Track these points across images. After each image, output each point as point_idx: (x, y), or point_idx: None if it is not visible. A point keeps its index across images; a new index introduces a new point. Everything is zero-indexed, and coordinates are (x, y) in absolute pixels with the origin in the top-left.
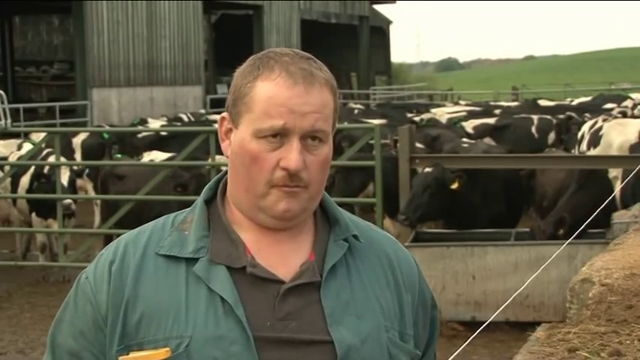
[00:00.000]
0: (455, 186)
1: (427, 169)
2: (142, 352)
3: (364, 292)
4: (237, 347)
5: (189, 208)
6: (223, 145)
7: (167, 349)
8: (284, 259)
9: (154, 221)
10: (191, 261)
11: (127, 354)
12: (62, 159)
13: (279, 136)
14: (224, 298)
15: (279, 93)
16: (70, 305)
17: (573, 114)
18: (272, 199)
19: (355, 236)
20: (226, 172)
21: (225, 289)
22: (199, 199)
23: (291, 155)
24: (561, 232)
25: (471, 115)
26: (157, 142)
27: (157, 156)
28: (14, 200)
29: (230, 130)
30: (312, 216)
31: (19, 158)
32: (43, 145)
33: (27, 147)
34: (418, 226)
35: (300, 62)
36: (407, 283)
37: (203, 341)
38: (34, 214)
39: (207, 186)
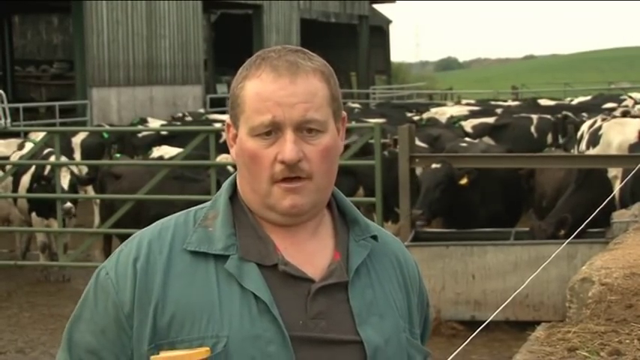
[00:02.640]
0: (464, 181)
1: (435, 166)
2: (178, 350)
3: (383, 292)
4: (274, 347)
5: (207, 204)
6: (232, 151)
7: (207, 348)
8: (310, 258)
9: (173, 217)
10: (220, 258)
11: (157, 353)
12: (63, 158)
13: (273, 131)
14: (258, 297)
15: (264, 88)
16: (89, 302)
17: (569, 113)
18: (276, 196)
19: (374, 237)
20: None
21: (259, 288)
22: (222, 196)
23: (285, 147)
24: (562, 232)
25: (472, 114)
26: (157, 141)
27: (167, 151)
28: (15, 199)
29: (236, 135)
30: (329, 216)
31: (21, 158)
32: (42, 145)
33: (29, 146)
34: (418, 225)
35: (287, 55)
36: (413, 284)
37: (241, 341)
38: (34, 214)
39: (228, 182)
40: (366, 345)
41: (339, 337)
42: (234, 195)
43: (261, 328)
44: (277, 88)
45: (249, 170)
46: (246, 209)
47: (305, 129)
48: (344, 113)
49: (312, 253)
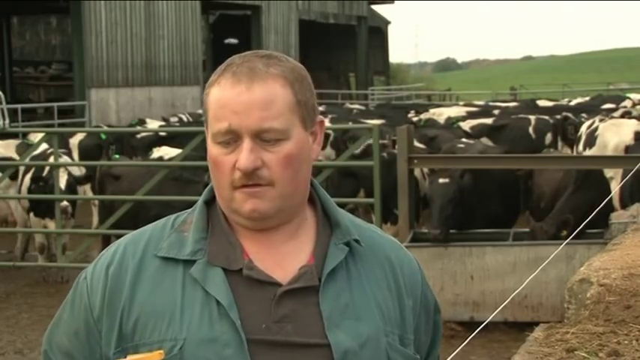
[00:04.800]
0: None
1: (443, 180)
2: (136, 355)
3: (364, 296)
4: (230, 350)
5: (190, 209)
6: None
7: (160, 351)
8: (282, 262)
9: (154, 223)
10: (188, 263)
11: (125, 357)
12: (63, 158)
13: (232, 138)
14: (219, 301)
15: (222, 95)
16: (67, 305)
17: (570, 114)
18: (238, 201)
19: (356, 240)
20: None
21: (220, 292)
22: (199, 201)
23: (241, 155)
24: (564, 233)
25: (470, 115)
26: (156, 142)
27: (167, 152)
28: (18, 200)
29: None
30: (313, 219)
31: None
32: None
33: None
34: (416, 226)
35: (251, 61)
36: (409, 287)
37: (196, 343)
38: (32, 214)
39: (207, 187)
40: (334, 348)
41: (303, 340)
42: (212, 200)
43: (219, 332)
44: (234, 95)
45: (214, 176)
46: (220, 213)
47: (261, 137)
48: (321, 117)
49: (284, 257)
